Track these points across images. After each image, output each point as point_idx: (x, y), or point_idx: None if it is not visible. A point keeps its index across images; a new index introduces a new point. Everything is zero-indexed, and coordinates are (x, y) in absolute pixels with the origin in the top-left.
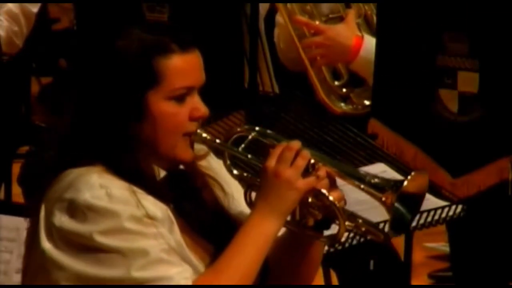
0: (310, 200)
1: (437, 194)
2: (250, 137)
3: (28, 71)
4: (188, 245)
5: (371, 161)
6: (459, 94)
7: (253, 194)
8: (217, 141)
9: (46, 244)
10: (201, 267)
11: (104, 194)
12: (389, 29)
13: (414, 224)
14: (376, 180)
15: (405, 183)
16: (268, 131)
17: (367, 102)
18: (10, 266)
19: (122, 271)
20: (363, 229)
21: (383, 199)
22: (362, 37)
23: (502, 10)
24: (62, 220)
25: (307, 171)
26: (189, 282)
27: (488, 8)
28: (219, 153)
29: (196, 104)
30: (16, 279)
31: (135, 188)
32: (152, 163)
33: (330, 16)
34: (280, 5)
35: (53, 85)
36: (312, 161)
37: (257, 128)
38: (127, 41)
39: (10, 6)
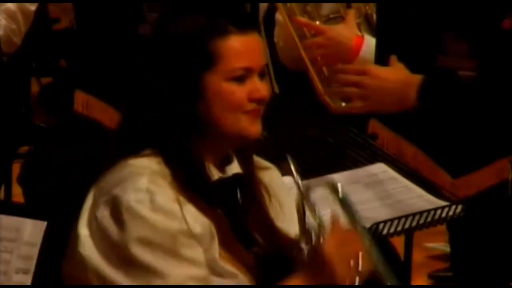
0: None
1: (437, 194)
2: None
3: (28, 71)
4: (227, 255)
5: (371, 161)
6: None
7: None
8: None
9: (83, 230)
10: (241, 277)
11: (148, 199)
12: (388, 29)
13: (414, 224)
14: None
15: None
16: (349, 202)
17: None
18: (10, 266)
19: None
20: None
21: None
22: (363, 37)
23: (502, 10)
24: (104, 214)
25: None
26: None
27: (488, 8)
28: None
29: (256, 86)
30: (16, 279)
31: (182, 199)
32: (207, 161)
33: (331, 16)
34: (279, 5)
35: (53, 85)
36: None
37: (340, 193)
38: (184, 23)
39: (8, 4)
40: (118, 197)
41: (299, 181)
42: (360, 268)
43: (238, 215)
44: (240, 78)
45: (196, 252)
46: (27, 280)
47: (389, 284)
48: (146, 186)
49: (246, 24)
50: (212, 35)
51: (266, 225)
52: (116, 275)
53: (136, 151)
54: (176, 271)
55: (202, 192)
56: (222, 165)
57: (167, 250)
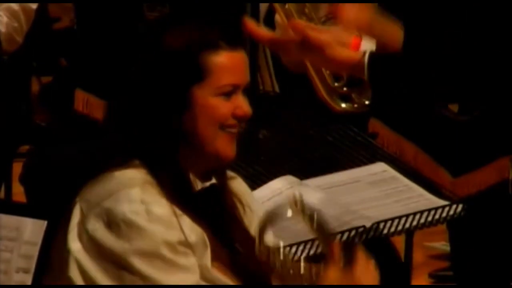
0: None
1: (437, 193)
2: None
3: (29, 70)
4: (216, 263)
5: (371, 160)
6: None
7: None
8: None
9: (74, 245)
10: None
11: (144, 210)
12: None
13: (414, 223)
14: None
15: None
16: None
17: (367, 102)
18: (10, 265)
19: None
20: None
21: None
22: (361, 37)
23: (504, 10)
24: (97, 227)
25: None
26: None
27: (489, 7)
28: None
29: (240, 102)
30: (16, 278)
31: (176, 209)
32: (191, 171)
33: (329, 16)
34: (277, 7)
35: (53, 84)
36: None
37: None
38: (176, 36)
39: (10, 3)
40: (111, 209)
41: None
42: None
43: (220, 224)
44: (228, 94)
45: (191, 260)
46: (28, 279)
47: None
48: (140, 197)
49: (236, 40)
50: (203, 49)
51: (241, 233)
52: (112, 283)
53: (123, 161)
54: (172, 281)
55: (188, 202)
56: (204, 179)
57: (166, 260)
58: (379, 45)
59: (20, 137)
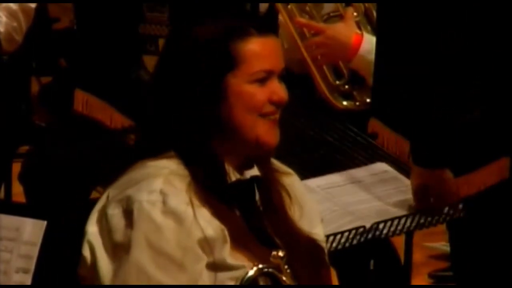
0: None
1: None
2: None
3: (28, 70)
4: (245, 256)
5: (371, 160)
6: None
7: None
8: None
9: (91, 228)
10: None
11: (160, 201)
12: (389, 24)
13: (414, 223)
14: None
15: None
16: None
17: (368, 100)
18: (10, 265)
19: None
20: None
21: None
22: (362, 35)
23: (502, 11)
24: (115, 213)
25: None
26: None
27: (489, 8)
28: None
29: (276, 88)
30: (16, 278)
31: (196, 202)
32: (227, 162)
33: (331, 14)
34: (280, 6)
35: (53, 84)
36: None
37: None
38: (205, 26)
39: (9, 3)
40: (131, 197)
41: None
42: None
43: (255, 216)
44: (262, 80)
45: (201, 265)
46: (27, 279)
47: None
48: (160, 187)
49: (266, 27)
50: (233, 37)
51: (285, 226)
52: (109, 268)
53: (157, 153)
54: (165, 281)
55: (219, 193)
56: (242, 169)
57: (174, 261)
58: None
59: (20, 137)
